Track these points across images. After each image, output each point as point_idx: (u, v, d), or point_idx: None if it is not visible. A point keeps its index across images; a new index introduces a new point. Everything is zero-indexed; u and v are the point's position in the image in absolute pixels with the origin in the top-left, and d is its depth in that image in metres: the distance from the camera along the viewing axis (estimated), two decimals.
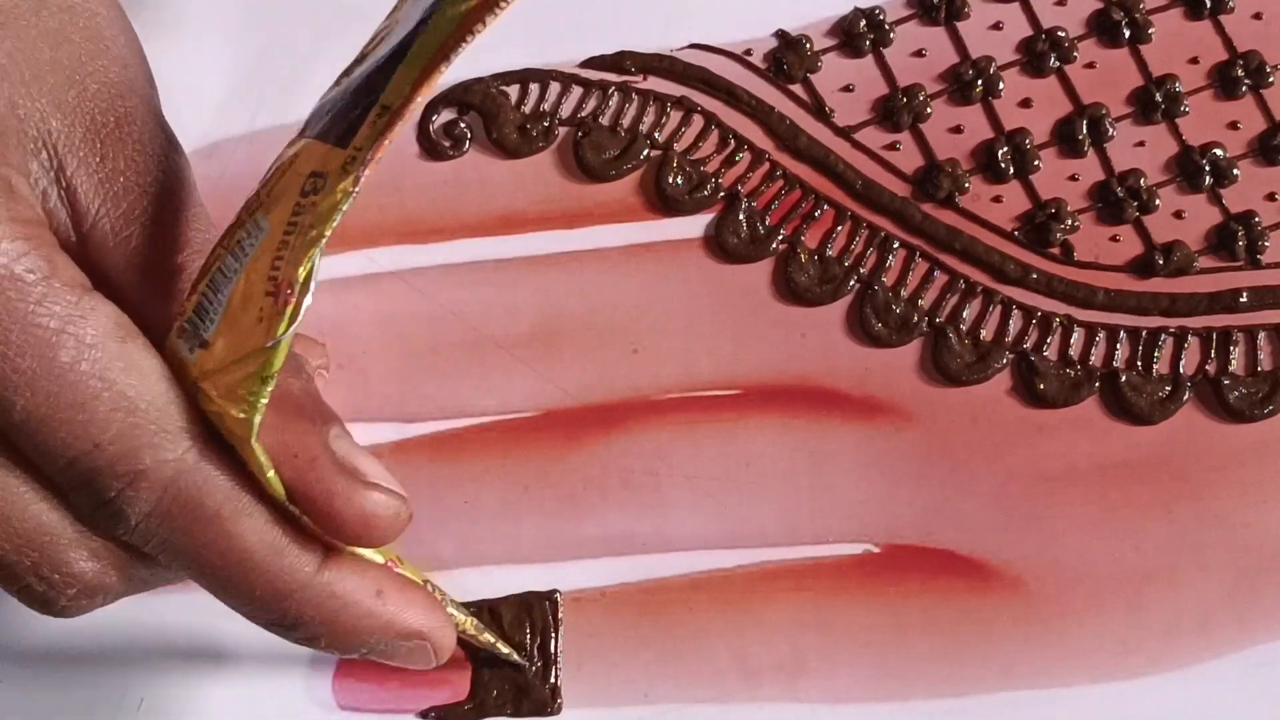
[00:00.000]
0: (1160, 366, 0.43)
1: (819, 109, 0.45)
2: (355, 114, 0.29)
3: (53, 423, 0.30)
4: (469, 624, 0.38)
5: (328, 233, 0.29)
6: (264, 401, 0.30)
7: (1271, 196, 0.44)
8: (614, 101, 0.45)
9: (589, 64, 0.45)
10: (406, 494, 0.33)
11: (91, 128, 0.32)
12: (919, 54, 0.45)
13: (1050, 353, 0.43)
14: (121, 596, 0.33)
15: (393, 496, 0.32)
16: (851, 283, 0.43)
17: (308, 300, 0.29)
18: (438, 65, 0.28)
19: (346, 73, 0.31)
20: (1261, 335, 0.43)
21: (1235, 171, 0.44)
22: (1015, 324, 0.43)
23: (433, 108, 0.45)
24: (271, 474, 0.31)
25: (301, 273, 0.29)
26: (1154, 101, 0.44)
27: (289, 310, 0.29)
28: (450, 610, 0.37)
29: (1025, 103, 0.45)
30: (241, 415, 0.30)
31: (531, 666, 0.41)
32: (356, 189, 0.29)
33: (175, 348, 0.31)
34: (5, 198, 0.30)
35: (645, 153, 0.44)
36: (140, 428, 0.30)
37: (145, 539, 0.31)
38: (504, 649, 0.40)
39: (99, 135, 0.32)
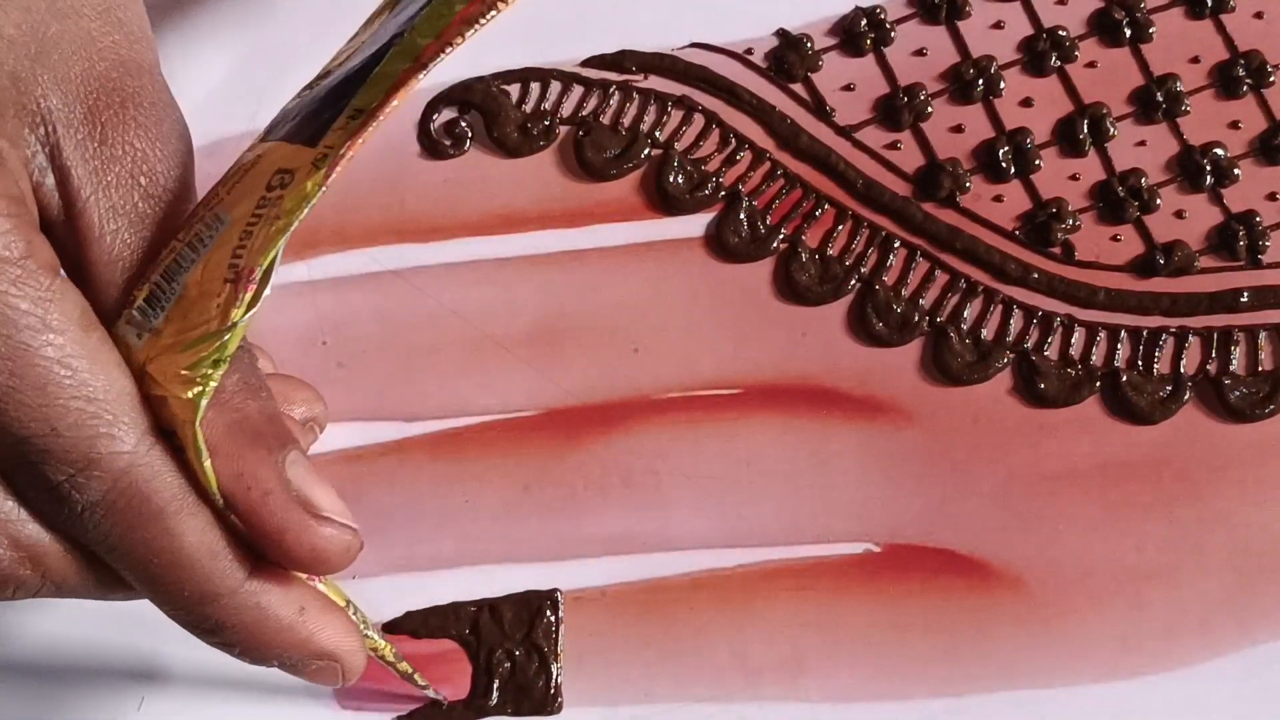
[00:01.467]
0: (1161, 366, 0.43)
1: (820, 108, 0.45)
2: (325, 117, 0.30)
3: (10, 403, 0.29)
4: (387, 651, 0.38)
5: (294, 223, 0.29)
6: (214, 385, 0.30)
7: (1272, 196, 0.44)
8: (615, 100, 0.45)
9: (590, 63, 0.45)
10: (357, 525, 0.33)
11: (94, 108, 0.31)
12: (920, 53, 0.45)
13: (1051, 352, 0.43)
14: (33, 596, 0.33)
15: (344, 530, 0.32)
16: (852, 282, 0.43)
17: (267, 290, 0.29)
18: (415, 74, 0.29)
19: (309, 86, 0.32)
20: (1262, 335, 0.43)
21: (1236, 171, 0.44)
22: (1016, 324, 0.43)
23: (434, 106, 0.45)
24: (208, 463, 0.30)
25: (265, 260, 0.29)
26: (1155, 101, 0.44)
27: (248, 296, 0.29)
28: (368, 633, 0.36)
29: (1026, 102, 0.45)
30: (189, 396, 0.30)
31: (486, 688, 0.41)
32: (326, 184, 0.29)
33: (122, 334, 0.31)
34: None
35: (646, 152, 0.44)
36: (99, 417, 0.30)
37: (85, 528, 0.31)
38: (420, 681, 0.39)
39: (100, 117, 0.31)
